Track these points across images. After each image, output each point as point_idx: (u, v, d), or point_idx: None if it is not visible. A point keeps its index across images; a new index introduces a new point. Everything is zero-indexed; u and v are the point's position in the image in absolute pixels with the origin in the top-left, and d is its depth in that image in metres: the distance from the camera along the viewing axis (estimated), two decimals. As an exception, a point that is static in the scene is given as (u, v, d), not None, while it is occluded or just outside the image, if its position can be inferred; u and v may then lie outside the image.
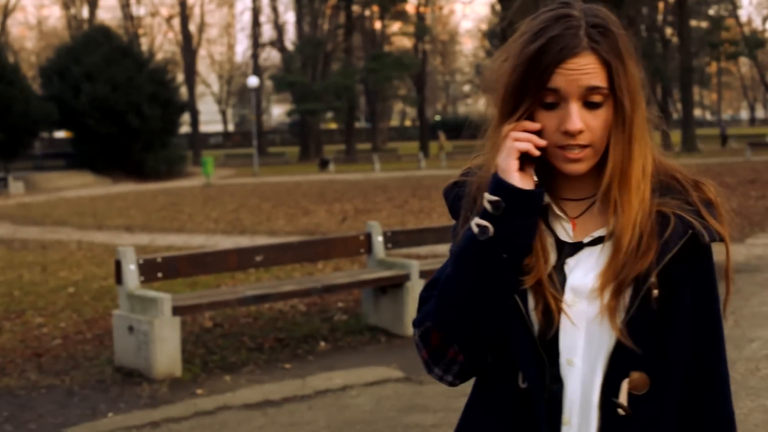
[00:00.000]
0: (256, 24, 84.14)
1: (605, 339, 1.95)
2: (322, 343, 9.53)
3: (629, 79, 1.93)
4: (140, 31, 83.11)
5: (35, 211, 30.89)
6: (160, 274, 8.77)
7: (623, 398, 1.94)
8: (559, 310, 1.96)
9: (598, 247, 1.99)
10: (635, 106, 1.94)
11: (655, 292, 1.92)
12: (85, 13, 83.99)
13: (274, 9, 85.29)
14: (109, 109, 51.43)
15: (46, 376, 8.57)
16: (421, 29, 75.22)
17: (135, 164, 53.52)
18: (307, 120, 73.73)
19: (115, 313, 8.80)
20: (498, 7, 73.89)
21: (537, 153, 1.93)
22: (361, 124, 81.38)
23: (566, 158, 1.93)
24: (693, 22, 70.10)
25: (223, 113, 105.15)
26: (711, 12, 79.90)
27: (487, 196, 1.94)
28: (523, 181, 1.93)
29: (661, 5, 66.08)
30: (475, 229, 1.94)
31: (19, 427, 7.18)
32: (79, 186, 47.18)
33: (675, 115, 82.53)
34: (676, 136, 66.78)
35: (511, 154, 1.93)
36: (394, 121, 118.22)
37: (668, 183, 2.01)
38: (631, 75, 1.94)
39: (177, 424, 7.09)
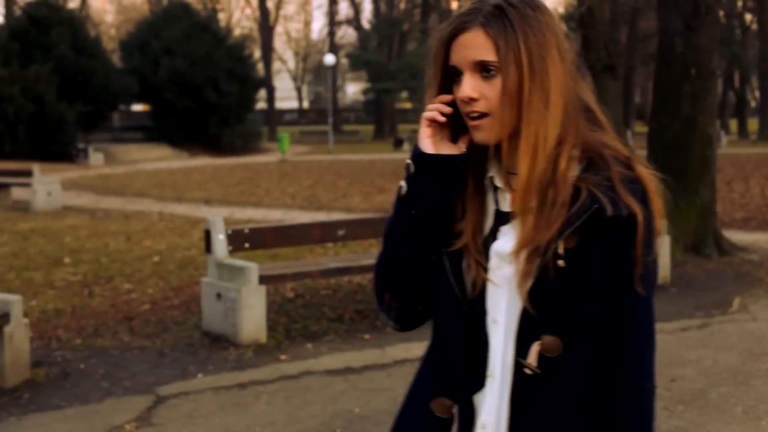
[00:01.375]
0: (333, 2, 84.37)
1: (519, 302, 2.11)
2: (400, 316, 9.83)
3: (520, 52, 2.07)
4: (217, 7, 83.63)
5: (115, 182, 31.51)
6: (247, 245, 9.15)
7: (532, 359, 2.08)
8: (478, 272, 2.16)
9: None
10: (527, 75, 2.07)
11: (560, 262, 2.05)
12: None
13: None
14: (187, 83, 52.09)
15: (137, 338, 9.00)
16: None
17: (211, 139, 54.16)
18: (382, 99, 73.93)
19: (204, 281, 9.19)
20: (576, -10, 73.65)
21: (442, 119, 2.16)
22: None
23: (471, 126, 2.13)
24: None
25: (299, 90, 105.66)
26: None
27: (408, 160, 2.21)
28: (436, 147, 2.18)
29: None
30: (398, 190, 2.22)
31: (115, 384, 7.59)
32: (157, 159, 47.90)
33: (753, 103, 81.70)
34: (753, 123, 66.16)
35: (423, 123, 2.19)
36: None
37: (593, 159, 2.12)
38: (525, 48, 2.07)
39: (263, 387, 7.45)
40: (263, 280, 8.77)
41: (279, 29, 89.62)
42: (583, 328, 2.10)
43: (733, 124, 69.85)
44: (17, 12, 58.95)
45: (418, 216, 2.18)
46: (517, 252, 2.10)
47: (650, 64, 59.14)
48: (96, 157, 44.30)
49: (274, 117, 78.69)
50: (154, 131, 56.42)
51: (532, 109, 2.09)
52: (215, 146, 53.69)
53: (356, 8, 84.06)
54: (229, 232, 9.05)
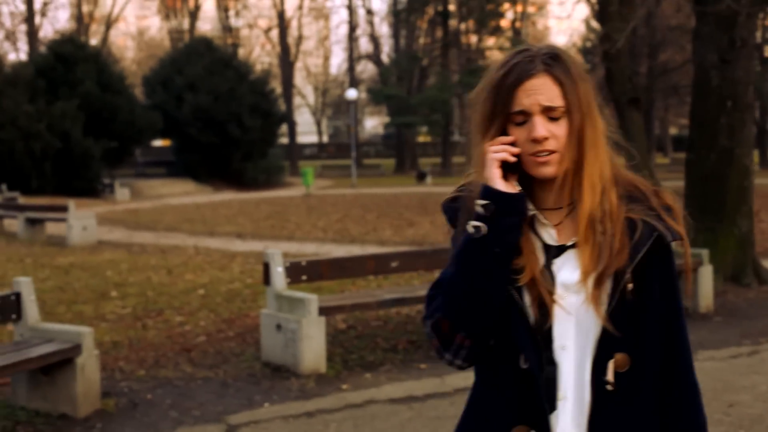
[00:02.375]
0: (352, 38, 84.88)
1: (592, 326, 2.35)
2: (452, 346, 10.01)
3: (580, 96, 2.36)
4: (238, 42, 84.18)
5: (144, 216, 31.78)
6: (304, 277, 9.37)
7: (610, 376, 2.34)
8: (552, 302, 2.35)
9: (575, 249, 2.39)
10: (586, 118, 2.36)
11: (630, 285, 2.32)
12: (185, 24, 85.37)
13: (370, 22, 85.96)
14: (211, 119, 52.50)
15: (199, 369, 9.20)
16: (517, 44, 75.17)
17: (234, 173, 54.52)
18: (403, 133, 74.22)
19: (263, 312, 9.38)
20: (593, 23, 73.93)
21: (513, 159, 2.34)
22: (455, 137, 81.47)
23: (537, 162, 2.33)
24: (793, 40, 69.17)
25: (318, 124, 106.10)
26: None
27: (479, 201, 2.33)
28: (507, 186, 2.34)
29: (760, 23, 65.35)
30: (471, 230, 2.32)
31: (184, 414, 7.78)
32: (181, 194, 48.21)
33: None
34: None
35: (492, 164, 2.34)
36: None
37: (632, 192, 2.41)
38: (582, 93, 2.36)
39: (330, 415, 7.63)
40: (323, 311, 8.97)
41: (299, 64, 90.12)
42: (649, 342, 2.39)
43: (755, 154, 69.84)
44: (41, 49, 59.55)
45: (503, 254, 2.33)
46: (585, 279, 2.34)
47: (670, 97, 59.40)
48: (122, 192, 44.62)
49: (295, 151, 79.05)
50: (177, 166, 56.82)
51: (591, 147, 2.37)
52: (238, 181, 54.04)
53: (376, 43, 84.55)
54: (287, 264, 9.26)
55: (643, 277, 2.36)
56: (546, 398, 2.37)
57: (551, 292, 2.36)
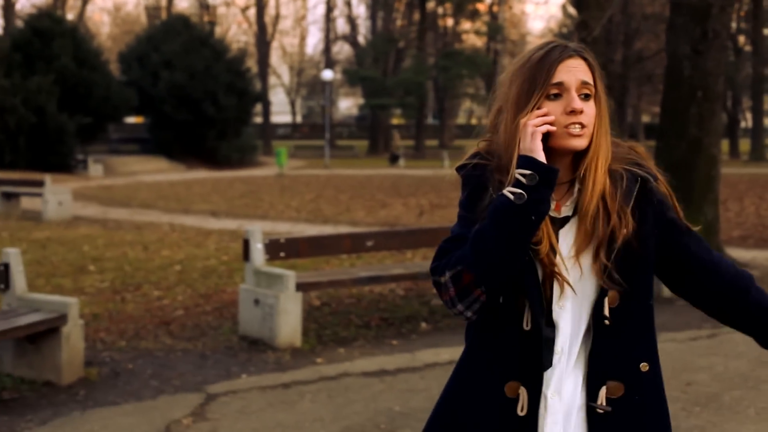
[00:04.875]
0: (329, 18, 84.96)
1: (588, 284, 2.66)
2: (423, 324, 10.35)
3: (601, 85, 2.68)
4: (214, 21, 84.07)
5: (118, 193, 31.93)
6: (282, 254, 9.65)
7: (606, 312, 2.65)
8: (562, 278, 2.63)
9: (573, 219, 2.69)
10: (605, 105, 2.69)
11: (630, 230, 2.64)
12: (162, 1, 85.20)
13: (348, 3, 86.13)
14: (186, 96, 52.46)
15: (178, 341, 9.48)
16: (494, 28, 75.70)
17: (208, 152, 54.51)
18: (377, 115, 74.43)
19: (242, 287, 9.66)
20: (570, 10, 74.23)
21: (553, 129, 2.59)
22: (428, 120, 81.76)
23: (571, 135, 2.58)
24: (766, 31, 69.65)
25: (292, 104, 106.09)
26: (785, 21, 79.37)
27: (521, 170, 2.52)
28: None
29: (734, 14, 65.74)
30: (511, 197, 2.50)
31: (164, 383, 8.06)
32: (155, 171, 48.24)
33: (743, 124, 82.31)
34: (745, 144, 66.70)
35: (535, 137, 2.55)
36: (461, 119, 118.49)
37: (613, 150, 2.71)
38: (602, 82, 2.69)
39: (305, 386, 7.93)
40: (300, 287, 9.27)
41: (275, 44, 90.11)
42: (641, 279, 2.70)
43: (725, 144, 70.49)
44: (17, 23, 59.34)
45: (537, 221, 2.56)
46: (579, 253, 2.67)
47: (644, 85, 59.78)
48: (95, 169, 44.65)
49: (269, 131, 79.08)
50: (150, 143, 56.75)
51: (605, 130, 2.69)
52: (212, 159, 54.06)
53: (353, 24, 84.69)
54: (267, 241, 9.53)
55: (639, 218, 2.67)
56: (545, 356, 2.64)
57: (560, 256, 2.65)
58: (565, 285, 2.65)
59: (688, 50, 13.97)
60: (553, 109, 2.61)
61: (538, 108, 2.61)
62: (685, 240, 2.77)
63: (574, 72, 2.62)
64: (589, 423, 2.69)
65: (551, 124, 2.60)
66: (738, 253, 15.37)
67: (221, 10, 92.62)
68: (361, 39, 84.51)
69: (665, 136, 14.42)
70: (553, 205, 2.66)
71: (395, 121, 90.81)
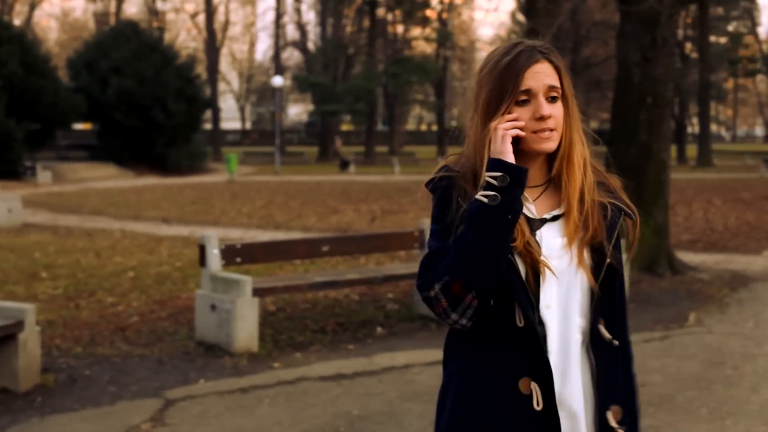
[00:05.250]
0: (278, 24, 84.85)
1: (572, 286, 2.74)
2: (379, 329, 10.41)
3: (569, 84, 2.78)
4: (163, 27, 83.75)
5: (68, 200, 31.72)
6: (238, 259, 9.67)
7: (606, 333, 2.78)
8: (542, 264, 2.71)
9: (559, 221, 2.78)
10: (573, 103, 2.78)
11: (610, 260, 2.75)
12: (111, 6, 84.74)
13: (298, 10, 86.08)
14: (136, 103, 52.15)
15: (134, 347, 9.48)
16: (444, 35, 75.93)
17: (157, 158, 54.25)
18: (327, 121, 74.46)
19: (198, 292, 9.67)
20: (519, 16, 74.63)
21: (522, 134, 2.68)
22: (378, 127, 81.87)
23: (540, 138, 2.67)
24: (712, 38, 70.52)
25: (242, 111, 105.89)
26: (730, 28, 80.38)
27: (491, 173, 2.60)
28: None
29: (681, 21, 66.46)
30: (485, 200, 2.58)
31: (122, 389, 8.06)
32: (104, 177, 47.95)
33: (689, 129, 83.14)
34: (692, 150, 67.42)
35: (505, 140, 2.64)
36: (410, 125, 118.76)
37: (597, 178, 2.82)
38: (569, 82, 2.78)
39: (263, 391, 7.97)
40: (256, 292, 9.30)
41: (224, 50, 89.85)
42: (619, 298, 2.85)
43: (673, 149, 71.01)
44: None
45: (513, 221, 2.64)
46: (570, 245, 2.75)
47: (592, 91, 60.22)
48: (44, 175, 44.32)
49: (218, 137, 78.88)
50: (99, 150, 56.38)
51: (576, 130, 2.79)
52: (161, 166, 53.82)
53: (302, 30, 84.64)
54: (222, 247, 9.55)
55: (616, 251, 2.78)
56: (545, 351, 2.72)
57: (542, 255, 2.70)
58: (549, 277, 2.73)
59: (638, 57, 14.17)
60: (522, 113, 2.69)
61: (508, 113, 2.70)
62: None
63: (540, 77, 2.70)
64: None
65: (521, 128, 2.68)
66: (687, 257, 15.58)
67: (170, 16, 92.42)
68: (310, 45, 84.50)
69: (616, 142, 14.57)
70: (531, 207, 2.76)
71: (345, 127, 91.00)
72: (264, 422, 7.14)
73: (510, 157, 2.64)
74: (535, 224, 2.76)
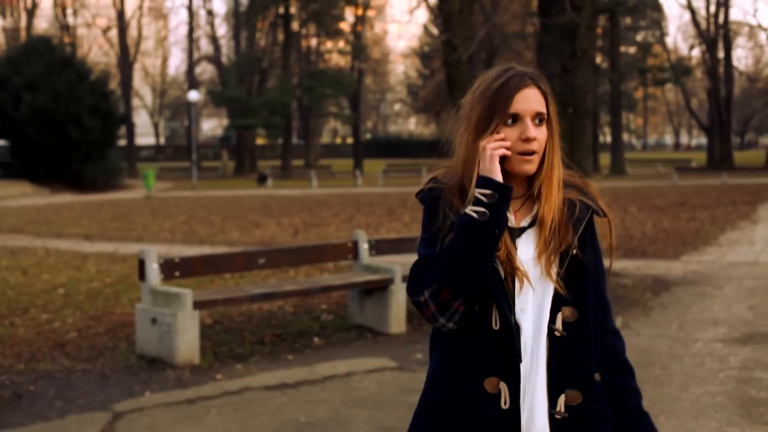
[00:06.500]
0: (192, 38, 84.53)
1: (545, 291, 2.92)
2: (316, 339, 10.60)
3: (553, 110, 3.00)
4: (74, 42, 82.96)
5: (-16, 218, 31.41)
6: (177, 273, 9.79)
7: (559, 325, 2.92)
8: (521, 273, 2.92)
9: (532, 229, 3.00)
10: (556, 128, 3.01)
11: (575, 251, 2.93)
12: (21, 21, 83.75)
13: (211, 24, 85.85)
14: (50, 119, 51.68)
15: (76, 362, 9.55)
16: (358, 48, 76.27)
17: (73, 175, 53.78)
18: (243, 135, 74.37)
19: (139, 307, 9.77)
20: (431, 28, 75.23)
21: (509, 153, 2.90)
22: (294, 140, 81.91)
23: (523, 160, 2.87)
24: (622, 48, 71.68)
25: (156, 126, 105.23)
26: (639, 38, 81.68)
27: (481, 190, 2.80)
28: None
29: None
30: (474, 215, 2.78)
31: (69, 403, 8.15)
32: (18, 195, 47.45)
33: (601, 138, 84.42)
34: (605, 159, 68.43)
35: (493, 159, 2.83)
36: (325, 138, 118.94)
37: (568, 181, 3.02)
38: (554, 108, 3.01)
39: (210, 401, 8.11)
40: (197, 305, 9.43)
41: (137, 65, 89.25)
42: (588, 296, 2.98)
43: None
44: None
45: (499, 234, 2.86)
46: (540, 257, 2.96)
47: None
48: (-44, 194, 43.80)
49: (133, 153, 78.35)
50: (13, 167, 55.75)
51: (556, 152, 3.00)
52: (77, 183, 53.38)
53: (216, 44, 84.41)
54: (161, 261, 9.67)
55: (582, 246, 2.97)
56: (518, 351, 2.89)
57: (520, 265, 2.90)
58: (525, 283, 2.93)
59: (558, 68, 14.53)
60: (509, 134, 2.90)
61: (497, 132, 2.91)
62: (599, 274, 3.08)
63: (529, 102, 2.91)
64: (552, 428, 2.96)
65: (507, 148, 2.90)
66: (608, 263, 15.93)
67: (82, 31, 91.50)
68: (224, 59, 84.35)
69: (539, 152, 14.92)
70: (512, 217, 2.97)
71: (260, 141, 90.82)
72: (214, 431, 7.28)
73: (498, 176, 2.84)
74: (515, 233, 2.97)
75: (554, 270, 2.94)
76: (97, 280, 15.21)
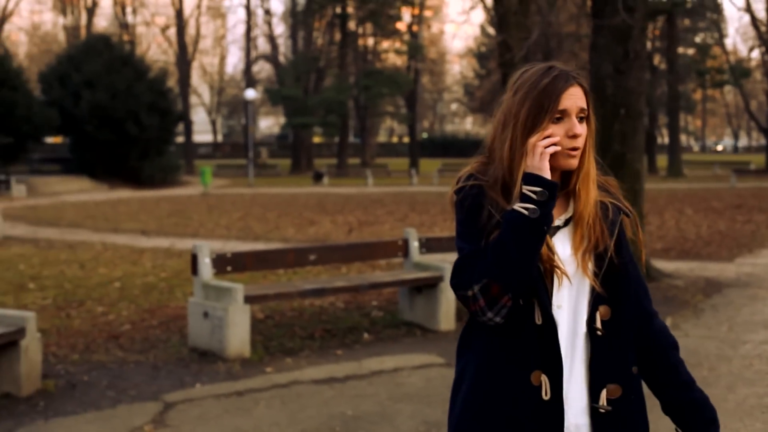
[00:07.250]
0: (249, 37, 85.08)
1: (582, 288, 3.02)
2: (366, 335, 10.72)
3: (591, 107, 3.08)
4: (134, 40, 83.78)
5: (44, 213, 31.83)
6: (229, 268, 9.95)
7: (599, 324, 3.01)
8: (561, 270, 3.01)
9: (567, 227, 3.09)
10: (594, 125, 3.09)
11: (611, 253, 3.01)
12: (81, 20, 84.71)
13: (268, 23, 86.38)
14: (108, 116, 52.33)
15: (129, 354, 9.74)
16: (414, 48, 76.39)
17: (131, 171, 54.41)
18: (300, 133, 74.72)
19: (191, 300, 9.95)
20: (488, 29, 75.12)
21: (559, 149, 2.97)
22: (350, 139, 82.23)
23: (569, 155, 2.94)
24: (680, 49, 71.19)
25: (213, 123, 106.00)
26: (698, 40, 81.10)
27: (531, 187, 2.85)
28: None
29: (650, 32, 67.09)
30: (525, 212, 2.83)
31: (121, 393, 8.33)
32: (78, 191, 48.11)
33: (659, 140, 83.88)
34: (662, 160, 68.00)
35: (544, 156, 2.89)
36: (381, 137, 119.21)
37: (598, 183, 3.09)
38: (592, 105, 3.08)
39: (259, 394, 8.25)
40: (248, 299, 9.58)
41: (195, 63, 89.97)
42: (625, 294, 3.07)
43: (644, 160, 71.50)
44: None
45: (547, 230, 2.94)
46: (576, 254, 3.05)
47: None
48: (18, 189, 44.38)
49: (190, 150, 78.99)
50: (72, 163, 56.48)
51: (592, 150, 3.08)
52: (135, 179, 53.99)
53: (273, 43, 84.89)
54: (214, 256, 9.83)
55: (618, 248, 3.04)
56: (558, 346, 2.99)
57: (560, 263, 2.98)
58: (564, 279, 3.02)
59: (610, 69, 14.52)
60: (556, 131, 2.98)
61: (545, 129, 2.99)
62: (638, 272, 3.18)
63: (574, 99, 3.00)
64: (593, 421, 3.06)
65: (556, 144, 2.98)
66: (662, 264, 15.95)
67: (141, 29, 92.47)
68: (281, 58, 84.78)
69: (590, 153, 14.92)
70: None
71: (317, 139, 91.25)
72: (262, 423, 7.42)
73: (547, 173, 2.90)
74: (553, 231, 3.06)
75: (590, 267, 3.03)
76: (152, 274, 15.43)
